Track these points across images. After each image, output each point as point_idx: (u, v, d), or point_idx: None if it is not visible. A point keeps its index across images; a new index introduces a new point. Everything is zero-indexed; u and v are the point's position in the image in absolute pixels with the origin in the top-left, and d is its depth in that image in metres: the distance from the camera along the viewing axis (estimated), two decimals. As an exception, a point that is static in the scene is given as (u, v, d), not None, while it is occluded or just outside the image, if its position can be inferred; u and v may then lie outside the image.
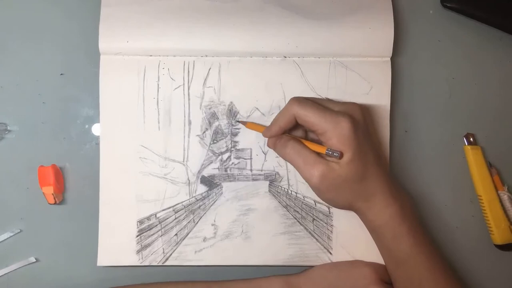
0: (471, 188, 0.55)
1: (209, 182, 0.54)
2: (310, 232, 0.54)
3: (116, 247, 0.53)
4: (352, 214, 0.51)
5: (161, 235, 0.53)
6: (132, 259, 0.53)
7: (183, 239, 0.53)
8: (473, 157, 0.55)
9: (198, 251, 0.53)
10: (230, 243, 0.53)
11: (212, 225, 0.53)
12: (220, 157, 0.54)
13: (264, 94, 0.53)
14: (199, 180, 0.54)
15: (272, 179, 0.54)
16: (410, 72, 0.56)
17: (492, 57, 0.57)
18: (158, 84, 0.53)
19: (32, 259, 0.53)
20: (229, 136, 0.54)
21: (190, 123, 0.53)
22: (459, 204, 0.56)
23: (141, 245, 0.53)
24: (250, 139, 0.54)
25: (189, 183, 0.53)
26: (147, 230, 0.53)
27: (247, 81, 0.53)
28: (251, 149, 0.54)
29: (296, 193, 0.54)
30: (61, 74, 0.55)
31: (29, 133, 0.54)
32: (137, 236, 0.53)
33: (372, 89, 0.54)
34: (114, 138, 0.53)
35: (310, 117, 0.47)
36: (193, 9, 0.53)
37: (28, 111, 0.54)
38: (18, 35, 0.55)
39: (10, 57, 0.55)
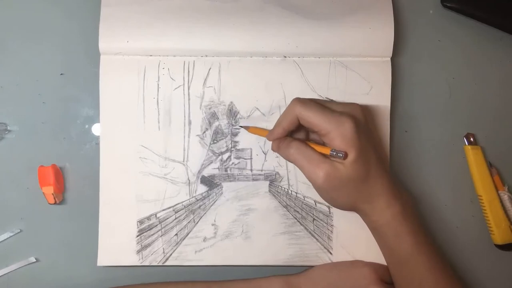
0: (471, 188, 0.55)
1: (209, 182, 0.54)
2: (310, 232, 0.54)
3: (116, 247, 0.53)
4: (352, 214, 0.51)
5: (161, 235, 0.53)
6: (132, 259, 0.53)
7: (183, 239, 0.53)
8: (473, 157, 0.55)
9: (198, 251, 0.53)
10: (230, 243, 0.53)
11: (212, 225, 0.53)
12: (220, 157, 0.54)
13: (264, 94, 0.53)
14: (199, 180, 0.54)
15: (272, 179, 0.54)
16: (410, 72, 0.56)
17: (492, 57, 0.57)
18: (158, 84, 0.53)
19: (32, 259, 0.53)
20: (229, 136, 0.54)
21: (190, 123, 0.53)
22: (459, 204, 0.56)
23: (141, 245, 0.53)
24: (250, 139, 0.54)
25: (189, 183, 0.53)
26: (147, 230, 0.53)
27: (247, 81, 0.53)
28: (251, 149, 0.54)
29: (296, 193, 0.54)
30: (61, 74, 0.55)
31: (29, 133, 0.54)
32: (137, 236, 0.53)
33: (372, 89, 0.54)
34: (114, 138, 0.53)
35: (313, 118, 0.47)
36: (193, 9, 0.53)
37: (28, 111, 0.54)
38: (18, 35, 0.55)
39: (10, 57, 0.55)
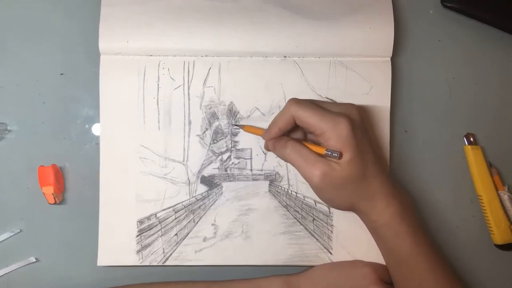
0: (471, 188, 0.55)
1: (209, 182, 0.54)
2: (310, 232, 0.54)
3: (116, 247, 0.53)
4: (352, 214, 0.51)
5: (161, 235, 0.53)
6: (132, 259, 0.53)
7: (183, 239, 0.53)
8: (473, 157, 0.55)
9: (198, 251, 0.53)
10: (230, 243, 0.53)
11: (212, 225, 0.53)
12: (220, 157, 0.54)
13: (264, 94, 0.53)
14: (199, 180, 0.54)
15: (272, 179, 0.54)
16: (410, 72, 0.56)
17: (492, 57, 0.57)
18: (158, 84, 0.53)
19: (32, 259, 0.53)
20: (229, 136, 0.54)
21: (190, 123, 0.53)
22: (459, 204, 0.56)
23: (141, 245, 0.53)
24: (250, 139, 0.54)
25: (189, 183, 0.53)
26: (147, 230, 0.53)
27: (247, 81, 0.53)
28: (251, 149, 0.54)
29: (296, 193, 0.54)
30: (61, 74, 0.55)
31: (29, 133, 0.54)
32: (137, 236, 0.53)
33: (372, 89, 0.54)
34: (114, 138, 0.53)
35: (309, 117, 0.47)
36: (193, 9, 0.53)
37: (28, 111, 0.54)
38: (18, 35, 0.55)
39: (10, 57, 0.55)
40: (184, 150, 0.53)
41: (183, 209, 0.53)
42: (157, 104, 0.53)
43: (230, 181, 0.54)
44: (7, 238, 0.53)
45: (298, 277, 0.52)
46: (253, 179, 0.54)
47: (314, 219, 0.54)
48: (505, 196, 0.54)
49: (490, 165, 0.55)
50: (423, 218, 0.55)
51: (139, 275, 0.54)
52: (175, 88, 0.53)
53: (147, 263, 0.53)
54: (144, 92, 0.53)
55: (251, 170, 0.54)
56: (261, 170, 0.54)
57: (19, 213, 0.54)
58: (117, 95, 0.53)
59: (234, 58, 0.53)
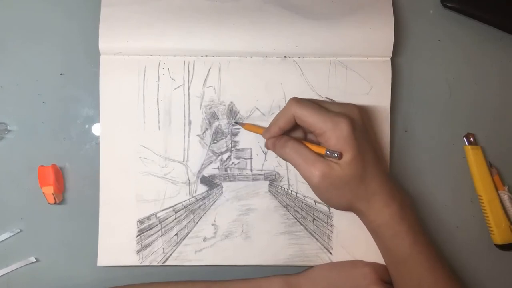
0: (471, 188, 0.55)
1: (209, 182, 0.54)
2: (310, 232, 0.54)
3: (116, 247, 0.53)
4: (352, 214, 0.51)
5: (161, 235, 0.53)
6: (132, 259, 0.53)
7: (183, 239, 0.53)
8: (473, 157, 0.55)
9: (198, 251, 0.53)
10: (230, 243, 0.53)
11: (212, 225, 0.53)
12: (220, 157, 0.54)
13: (264, 94, 0.53)
14: (199, 180, 0.54)
15: (272, 179, 0.54)
16: (410, 72, 0.56)
17: (492, 57, 0.57)
18: (158, 84, 0.53)
19: (32, 259, 0.53)
20: (229, 136, 0.54)
21: (190, 123, 0.53)
22: (459, 204, 0.56)
23: (141, 245, 0.53)
24: (250, 139, 0.54)
25: (189, 183, 0.53)
26: (147, 230, 0.53)
27: (247, 81, 0.53)
28: (251, 149, 0.54)
29: (296, 193, 0.54)
30: (61, 74, 0.55)
31: (29, 133, 0.54)
32: (137, 236, 0.53)
33: (372, 89, 0.54)
34: (114, 138, 0.53)
35: (309, 117, 0.47)
36: (193, 9, 0.53)
37: (28, 111, 0.54)
38: (18, 35, 0.55)
39: (10, 57, 0.55)
40: (184, 150, 0.53)
41: (183, 209, 0.53)
42: (157, 104, 0.53)
43: (230, 181, 0.54)
44: (7, 238, 0.53)
45: (298, 277, 0.52)
46: (253, 179, 0.54)
47: (314, 219, 0.54)
48: (505, 196, 0.54)
49: (490, 165, 0.55)
50: (423, 218, 0.55)
51: (139, 275, 0.54)
52: (175, 88, 0.53)
53: (147, 263, 0.53)
54: (144, 92, 0.53)
55: (251, 170, 0.54)
56: (261, 170, 0.54)
57: (19, 213, 0.54)
58: (117, 95, 0.53)
59: (234, 58, 0.53)
